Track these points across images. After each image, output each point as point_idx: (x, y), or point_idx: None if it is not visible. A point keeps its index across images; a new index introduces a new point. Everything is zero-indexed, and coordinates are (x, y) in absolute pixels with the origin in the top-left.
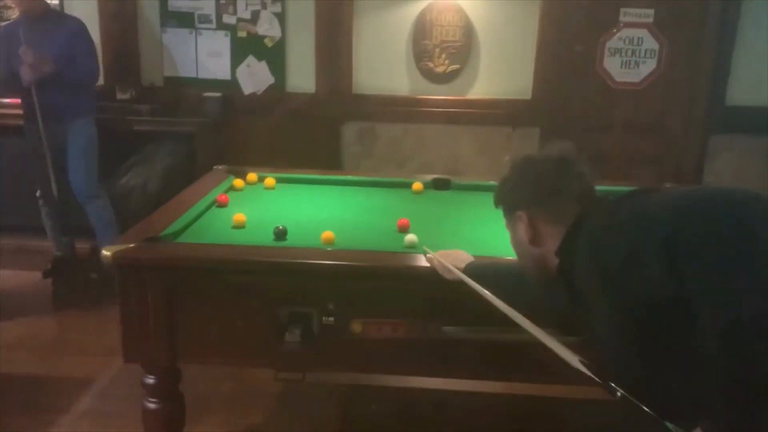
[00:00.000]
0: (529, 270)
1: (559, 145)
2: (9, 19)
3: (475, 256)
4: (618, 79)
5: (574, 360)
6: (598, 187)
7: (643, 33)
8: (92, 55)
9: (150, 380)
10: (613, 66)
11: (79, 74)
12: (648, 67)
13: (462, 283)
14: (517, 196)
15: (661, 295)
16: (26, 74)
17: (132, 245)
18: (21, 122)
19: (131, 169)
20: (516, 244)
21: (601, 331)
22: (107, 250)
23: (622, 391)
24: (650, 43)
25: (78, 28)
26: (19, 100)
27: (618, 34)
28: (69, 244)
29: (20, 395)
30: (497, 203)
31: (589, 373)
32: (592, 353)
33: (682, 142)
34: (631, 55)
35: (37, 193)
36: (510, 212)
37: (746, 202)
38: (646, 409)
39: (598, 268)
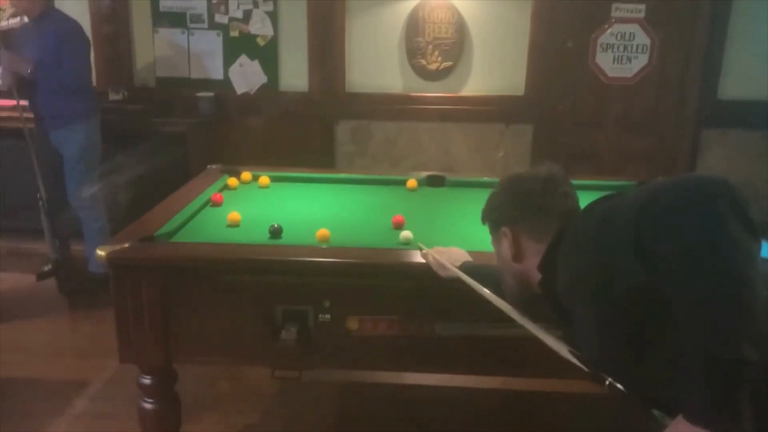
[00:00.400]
0: (510, 288)
1: (547, 165)
2: None
3: (469, 252)
4: (610, 74)
5: (563, 350)
6: (590, 182)
7: (635, 28)
8: (81, 57)
9: (146, 380)
10: (605, 61)
11: (65, 77)
12: (640, 62)
13: (457, 279)
14: (502, 212)
15: (639, 285)
16: (6, 78)
17: (126, 245)
18: (19, 125)
19: (101, 180)
20: (500, 260)
21: (586, 341)
22: (101, 250)
23: (610, 379)
24: (642, 38)
25: (70, 29)
26: (13, 103)
27: (609, 30)
28: (62, 247)
29: (16, 398)
30: (484, 220)
31: (577, 362)
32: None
33: (675, 136)
34: (623, 51)
35: (38, 196)
36: (495, 228)
37: (712, 183)
38: (632, 397)
39: (577, 275)
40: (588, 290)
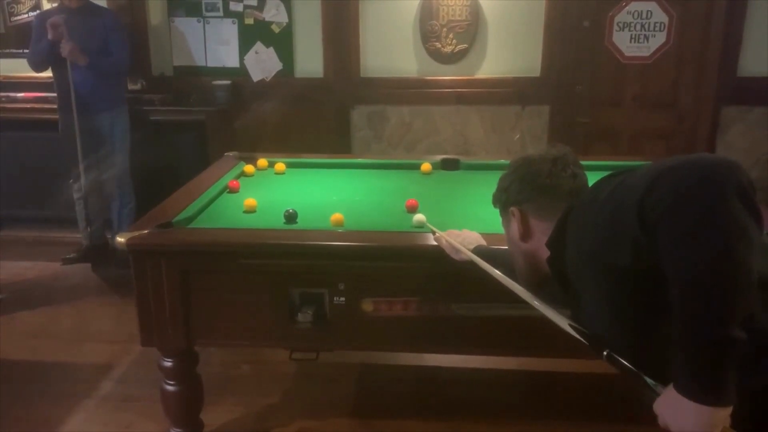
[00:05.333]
0: (520, 268)
1: (558, 146)
2: (19, 14)
3: (483, 235)
4: (627, 53)
5: (563, 323)
6: (608, 163)
7: (652, 6)
8: (126, 47)
9: (167, 363)
10: (622, 40)
11: (113, 65)
12: (657, 40)
13: (470, 262)
14: (510, 193)
15: (642, 258)
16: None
17: (146, 231)
18: (48, 116)
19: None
20: (509, 240)
21: (592, 316)
22: (122, 237)
23: (608, 350)
24: (659, 15)
25: (114, 21)
26: (46, 94)
27: (626, 8)
28: (95, 233)
29: (44, 381)
30: (494, 202)
31: (577, 335)
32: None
33: (694, 114)
34: (640, 29)
35: (70, 182)
36: (504, 209)
37: (718, 165)
38: (629, 366)
39: (585, 249)
40: (595, 266)
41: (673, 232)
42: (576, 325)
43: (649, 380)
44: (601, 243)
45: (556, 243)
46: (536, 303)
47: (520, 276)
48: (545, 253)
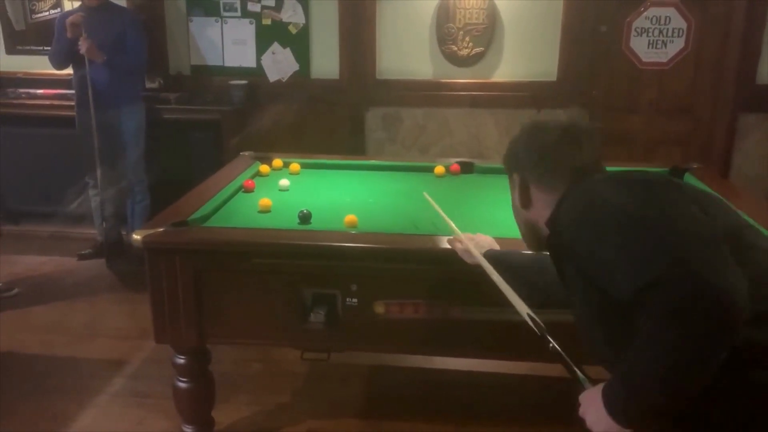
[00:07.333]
0: (523, 234)
1: (573, 115)
2: (40, 12)
3: (497, 239)
4: (645, 59)
5: (523, 311)
6: (623, 169)
7: (671, 12)
8: (143, 45)
9: (180, 360)
10: (639, 46)
11: (130, 62)
12: (675, 46)
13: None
14: (515, 159)
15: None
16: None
17: (161, 229)
18: (66, 113)
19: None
20: (513, 206)
21: (575, 307)
22: (137, 234)
23: (554, 343)
24: (678, 21)
25: (132, 19)
26: (64, 91)
27: (645, 14)
28: (110, 229)
29: (58, 376)
30: (503, 163)
31: (531, 324)
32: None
33: (710, 122)
34: (658, 35)
35: (86, 178)
36: (510, 174)
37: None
38: (567, 360)
39: (567, 243)
40: (573, 263)
41: (659, 319)
42: (535, 317)
43: (580, 375)
44: (584, 258)
45: (554, 225)
46: (525, 314)
47: (523, 240)
48: (542, 221)
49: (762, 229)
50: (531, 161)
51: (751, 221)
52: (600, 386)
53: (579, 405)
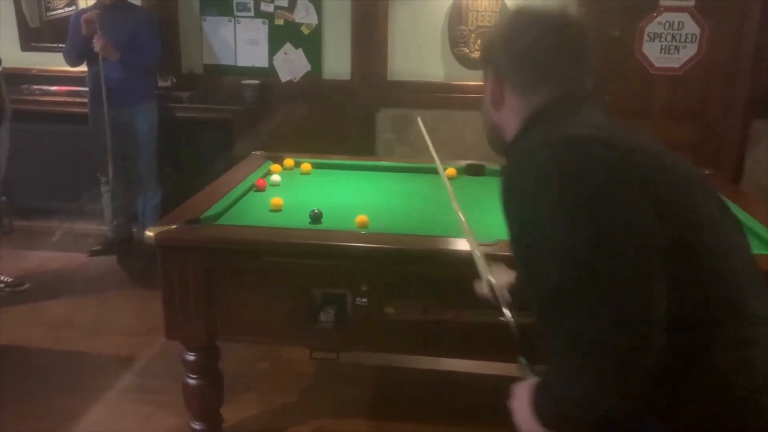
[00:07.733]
0: (485, 133)
1: (567, 11)
2: (56, 9)
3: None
4: (657, 64)
5: (485, 276)
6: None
7: (684, 17)
8: (157, 44)
9: (190, 357)
10: (652, 51)
11: (144, 61)
12: (688, 51)
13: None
14: (496, 51)
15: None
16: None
17: (174, 227)
18: (79, 110)
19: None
20: (483, 101)
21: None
22: (150, 231)
23: (508, 318)
24: (691, 27)
25: (146, 18)
26: (77, 88)
27: (658, 19)
28: (121, 226)
29: (67, 372)
30: (480, 52)
31: (490, 296)
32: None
33: (722, 128)
34: (671, 40)
35: (98, 175)
36: (485, 65)
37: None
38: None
39: (511, 201)
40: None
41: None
42: (512, 321)
43: (522, 361)
44: (519, 222)
45: (509, 150)
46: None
47: (485, 135)
48: (508, 131)
49: (746, 220)
50: (510, 58)
51: (752, 221)
52: (533, 382)
53: (512, 395)
